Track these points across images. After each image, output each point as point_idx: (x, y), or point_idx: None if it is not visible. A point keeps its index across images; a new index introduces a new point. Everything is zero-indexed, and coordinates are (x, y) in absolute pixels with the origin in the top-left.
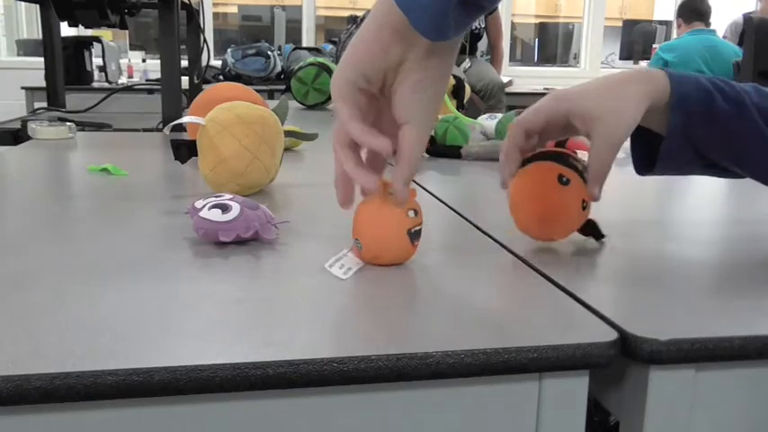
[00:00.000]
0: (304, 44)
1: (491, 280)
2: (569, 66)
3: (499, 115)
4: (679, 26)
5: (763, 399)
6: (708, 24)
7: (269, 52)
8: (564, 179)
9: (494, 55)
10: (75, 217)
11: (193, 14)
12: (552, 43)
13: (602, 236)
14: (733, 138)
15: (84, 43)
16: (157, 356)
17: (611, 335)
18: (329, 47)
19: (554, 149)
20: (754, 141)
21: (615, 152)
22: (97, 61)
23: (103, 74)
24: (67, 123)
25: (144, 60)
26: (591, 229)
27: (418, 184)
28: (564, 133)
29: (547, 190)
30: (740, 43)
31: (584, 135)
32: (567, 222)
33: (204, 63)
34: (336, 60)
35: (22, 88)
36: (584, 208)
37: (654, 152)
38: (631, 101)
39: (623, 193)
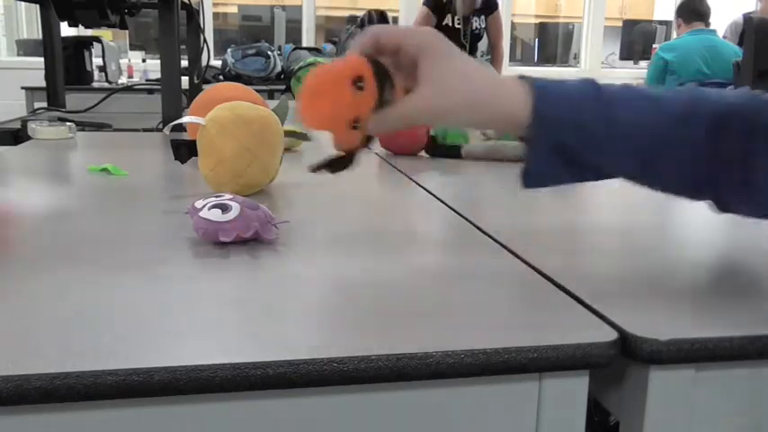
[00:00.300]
0: (304, 44)
1: (491, 280)
2: (569, 66)
3: None
4: (679, 26)
5: (763, 399)
6: (707, 24)
7: (269, 52)
8: (359, 84)
9: (494, 55)
10: (75, 217)
11: (193, 14)
12: (552, 43)
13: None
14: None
15: (84, 43)
16: (157, 356)
17: (611, 335)
18: (329, 47)
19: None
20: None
21: (419, 119)
22: (97, 61)
23: (103, 74)
24: (67, 123)
25: (144, 60)
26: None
27: (418, 185)
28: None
29: (336, 86)
30: (740, 43)
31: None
32: (331, 112)
33: (204, 63)
34: None
35: (22, 88)
36: (354, 127)
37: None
38: (480, 106)
39: (623, 193)
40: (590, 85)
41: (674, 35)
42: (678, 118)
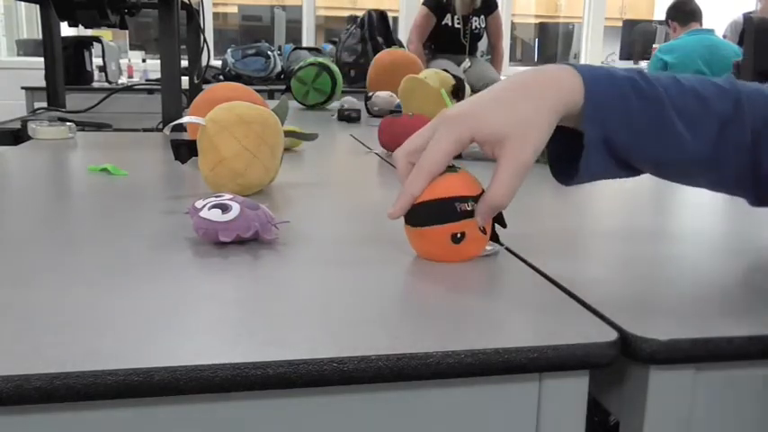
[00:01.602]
0: (304, 44)
1: (491, 280)
2: None
3: None
4: (674, 30)
5: (763, 399)
6: (702, 24)
7: (269, 52)
8: (457, 236)
9: (494, 55)
10: (75, 217)
11: (193, 14)
12: (552, 43)
13: (502, 225)
14: (649, 141)
15: (84, 43)
16: (157, 356)
17: (611, 335)
18: (329, 47)
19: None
20: (668, 142)
21: (520, 178)
22: (97, 61)
23: (103, 74)
24: (67, 123)
25: (144, 60)
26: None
27: None
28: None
29: (443, 250)
30: (740, 43)
31: (490, 157)
32: (475, 254)
33: (204, 63)
34: (336, 60)
35: (22, 88)
36: (483, 231)
37: (571, 151)
38: (540, 117)
39: (623, 194)
40: (636, 75)
41: (666, 39)
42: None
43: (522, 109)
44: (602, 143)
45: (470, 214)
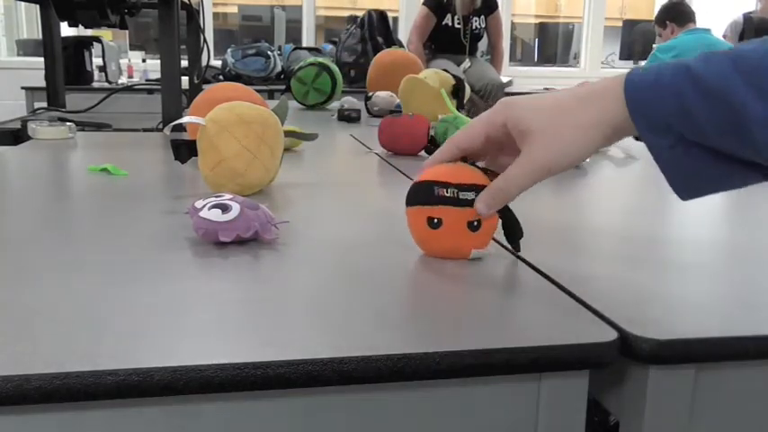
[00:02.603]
0: (304, 44)
1: (491, 280)
2: (569, 66)
3: None
4: (672, 31)
5: (763, 399)
6: (696, 24)
7: (269, 52)
8: (434, 221)
9: (494, 55)
10: (75, 217)
11: (193, 14)
12: (552, 43)
13: (519, 236)
14: (720, 135)
15: (84, 43)
16: (157, 356)
17: (611, 335)
18: (329, 47)
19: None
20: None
21: (533, 180)
22: (97, 61)
23: (103, 74)
24: (67, 123)
25: (144, 60)
26: (510, 233)
27: None
28: (504, 152)
29: (420, 234)
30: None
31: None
32: (455, 248)
33: (204, 63)
34: (336, 60)
35: (22, 88)
36: (474, 229)
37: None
38: (576, 129)
39: (623, 194)
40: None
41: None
42: None
43: (560, 113)
44: (669, 148)
45: (450, 201)
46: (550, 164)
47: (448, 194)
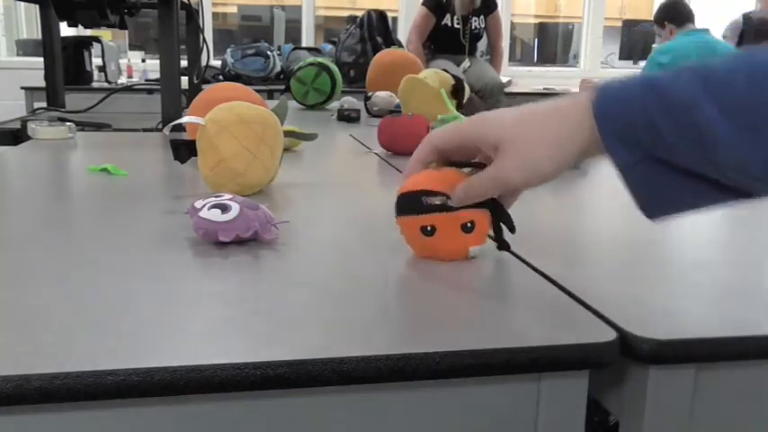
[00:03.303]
0: (304, 44)
1: (491, 280)
2: (569, 66)
3: None
4: (671, 32)
5: (763, 399)
6: (694, 24)
7: (268, 52)
8: (427, 229)
9: (493, 55)
10: (75, 217)
11: (193, 14)
12: (552, 43)
13: (507, 232)
14: (684, 147)
15: (84, 43)
16: (157, 356)
17: (611, 335)
18: (329, 47)
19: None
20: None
21: (490, 188)
22: (97, 61)
23: (103, 74)
24: (67, 123)
25: (144, 60)
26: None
27: None
28: (478, 157)
29: (416, 242)
30: (740, 43)
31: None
32: (453, 251)
33: (204, 63)
34: (336, 60)
35: (22, 88)
36: (468, 230)
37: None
38: (541, 146)
39: (623, 195)
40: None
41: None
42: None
43: (527, 129)
44: (634, 164)
45: (441, 209)
46: (512, 179)
47: (437, 202)
